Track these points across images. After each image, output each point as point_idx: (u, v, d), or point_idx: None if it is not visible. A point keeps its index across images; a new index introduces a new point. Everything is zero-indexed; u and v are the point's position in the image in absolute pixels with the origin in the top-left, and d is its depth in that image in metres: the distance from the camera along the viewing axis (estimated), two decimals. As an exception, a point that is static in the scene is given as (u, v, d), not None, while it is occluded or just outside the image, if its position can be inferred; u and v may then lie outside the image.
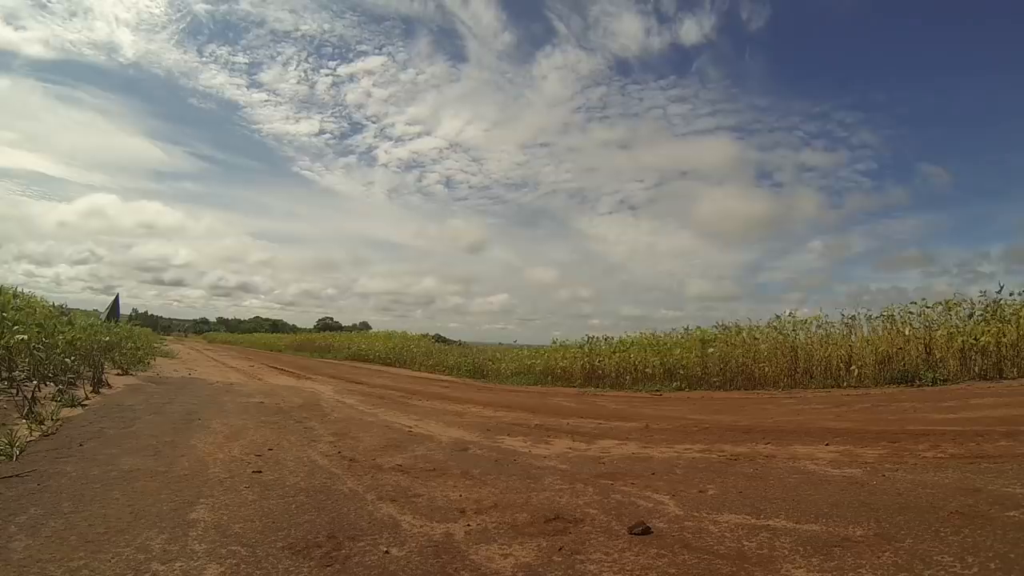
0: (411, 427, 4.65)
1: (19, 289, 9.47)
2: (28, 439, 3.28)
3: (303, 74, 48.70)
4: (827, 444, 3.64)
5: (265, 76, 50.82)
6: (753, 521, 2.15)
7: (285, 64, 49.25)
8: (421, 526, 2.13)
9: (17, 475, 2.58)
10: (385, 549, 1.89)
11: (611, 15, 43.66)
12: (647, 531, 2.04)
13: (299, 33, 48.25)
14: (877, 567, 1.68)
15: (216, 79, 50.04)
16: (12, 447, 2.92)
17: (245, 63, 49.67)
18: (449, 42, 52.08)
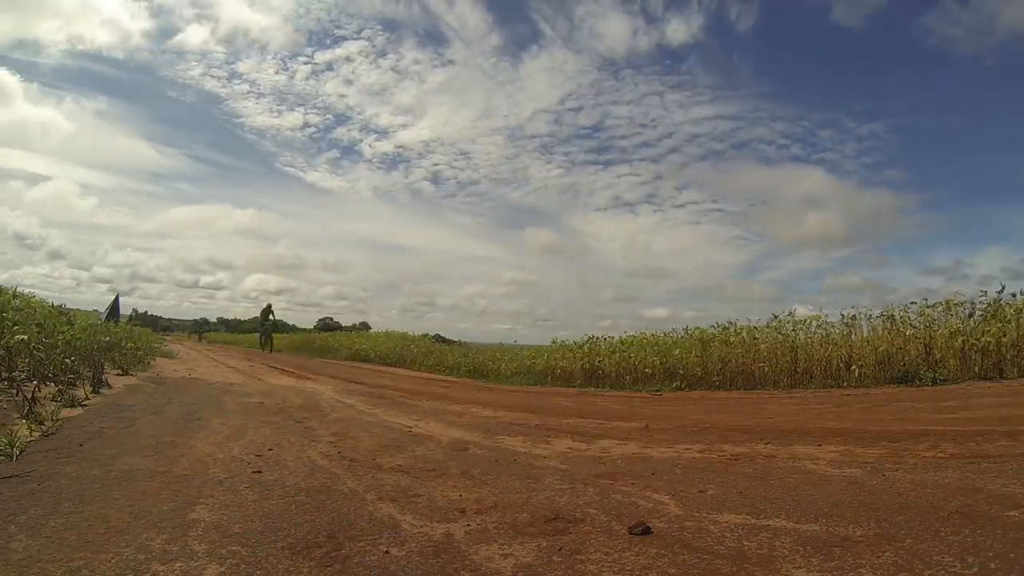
0: (411, 427, 4.65)
1: (18, 289, 9.45)
2: (28, 439, 3.29)
3: (281, 63, 47.83)
4: (827, 444, 3.65)
5: (243, 66, 49.77)
6: (753, 521, 2.15)
7: (262, 51, 48.19)
8: (421, 526, 2.13)
9: (17, 475, 2.59)
10: (385, 549, 1.89)
11: (596, 15, 43.49)
12: (647, 531, 2.04)
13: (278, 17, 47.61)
14: (877, 567, 1.68)
15: (193, 70, 48.97)
16: (12, 447, 2.92)
17: (223, 52, 48.45)
18: (434, 45, 51.72)
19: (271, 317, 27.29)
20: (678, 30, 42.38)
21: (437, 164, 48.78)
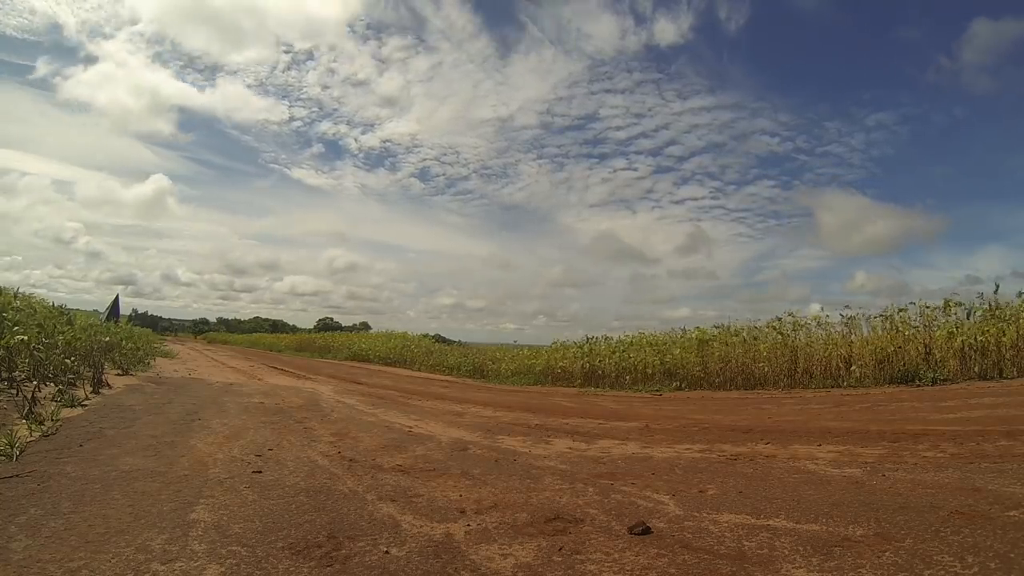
0: (411, 427, 4.65)
1: (19, 289, 9.45)
2: (28, 439, 3.28)
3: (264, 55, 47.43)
4: (827, 444, 3.64)
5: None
6: (753, 521, 2.15)
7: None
8: (421, 526, 2.13)
9: (17, 475, 2.58)
10: (385, 549, 1.89)
11: (584, 16, 43.28)
12: (647, 531, 2.04)
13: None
14: (877, 567, 1.68)
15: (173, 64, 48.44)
16: (12, 447, 2.92)
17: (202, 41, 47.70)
18: (422, 46, 51.42)
19: None
20: (667, 30, 42.19)
21: (425, 160, 48.27)
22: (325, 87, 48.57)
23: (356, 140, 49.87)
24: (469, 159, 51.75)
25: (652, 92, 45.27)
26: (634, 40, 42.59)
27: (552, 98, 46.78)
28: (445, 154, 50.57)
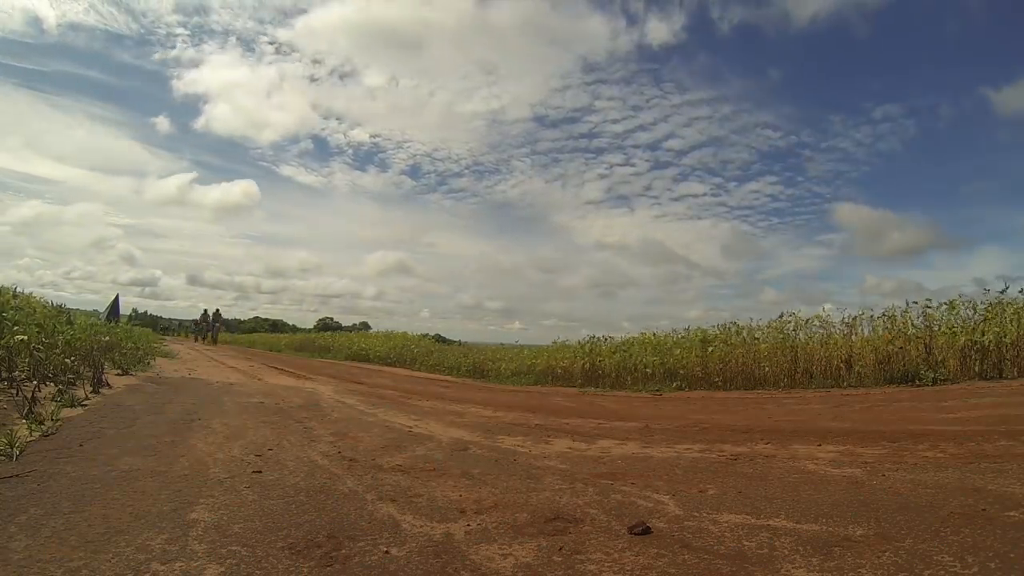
0: (411, 427, 4.65)
1: (17, 288, 9.46)
2: (28, 439, 3.28)
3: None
4: (827, 444, 3.65)
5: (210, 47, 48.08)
6: (753, 521, 2.15)
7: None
8: (421, 526, 2.13)
9: (17, 475, 2.58)
10: (385, 549, 1.89)
11: (575, 16, 42.70)
12: (647, 531, 2.04)
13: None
14: (877, 567, 1.68)
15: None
16: (12, 447, 2.92)
17: (187, 34, 46.15)
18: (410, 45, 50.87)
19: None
20: (659, 29, 41.81)
21: (416, 155, 47.26)
22: (313, 79, 47.53)
23: (345, 135, 48.98)
24: (461, 155, 50.74)
25: (649, 84, 44.32)
26: (626, 40, 42.14)
27: (546, 90, 46.03)
28: (437, 150, 49.71)
